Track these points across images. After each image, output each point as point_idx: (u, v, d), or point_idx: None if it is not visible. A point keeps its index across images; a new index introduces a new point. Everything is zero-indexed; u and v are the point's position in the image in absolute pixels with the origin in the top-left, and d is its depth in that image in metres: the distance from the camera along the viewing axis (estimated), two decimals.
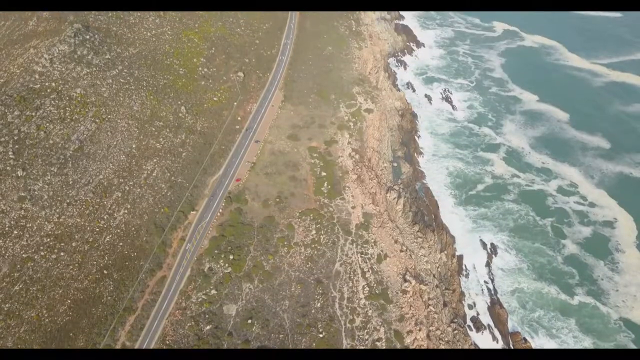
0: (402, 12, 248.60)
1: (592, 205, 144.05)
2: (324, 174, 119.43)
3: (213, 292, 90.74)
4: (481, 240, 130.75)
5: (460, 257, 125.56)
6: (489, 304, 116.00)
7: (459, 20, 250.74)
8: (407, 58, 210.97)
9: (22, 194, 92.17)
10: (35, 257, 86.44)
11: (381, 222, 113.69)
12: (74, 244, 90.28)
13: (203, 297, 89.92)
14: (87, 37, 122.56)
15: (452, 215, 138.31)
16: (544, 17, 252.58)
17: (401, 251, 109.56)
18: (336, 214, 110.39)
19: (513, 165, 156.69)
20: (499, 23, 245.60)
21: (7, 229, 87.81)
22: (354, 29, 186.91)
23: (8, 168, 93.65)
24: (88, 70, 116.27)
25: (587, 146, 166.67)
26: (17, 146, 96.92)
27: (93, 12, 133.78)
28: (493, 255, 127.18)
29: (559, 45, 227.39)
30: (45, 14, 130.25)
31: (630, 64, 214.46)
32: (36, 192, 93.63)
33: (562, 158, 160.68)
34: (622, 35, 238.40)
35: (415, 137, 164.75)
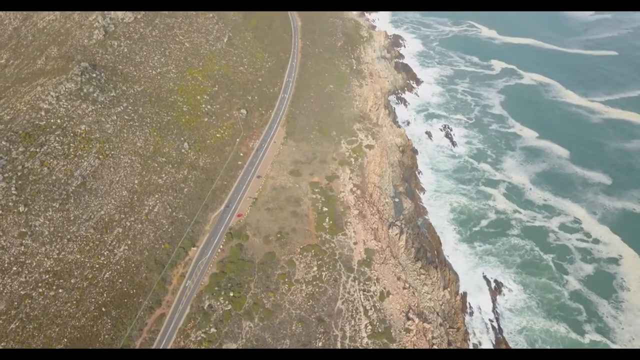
0: (401, 51, 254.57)
1: (596, 241, 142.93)
2: (325, 209, 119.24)
3: (212, 330, 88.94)
4: (485, 276, 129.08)
5: (464, 295, 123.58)
6: (495, 342, 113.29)
7: (458, 59, 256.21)
8: (407, 95, 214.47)
9: (23, 229, 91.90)
10: (33, 294, 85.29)
11: (383, 259, 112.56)
12: (72, 281, 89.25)
13: (202, 335, 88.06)
14: (94, 75, 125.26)
15: (456, 251, 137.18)
16: (541, 56, 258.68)
17: (404, 288, 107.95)
18: (338, 250, 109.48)
19: (515, 201, 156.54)
20: (497, 61, 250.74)
21: (6, 265, 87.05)
22: (354, 68, 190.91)
23: (10, 204, 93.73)
24: (93, 107, 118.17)
25: (588, 182, 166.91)
26: (20, 182, 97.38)
27: (100, 51, 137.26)
28: (497, 293, 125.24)
29: (557, 83, 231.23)
30: (54, 53, 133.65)
31: (627, 101, 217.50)
32: (37, 228, 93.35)
33: (564, 194, 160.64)
34: (617, 73, 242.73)
35: (416, 172, 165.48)
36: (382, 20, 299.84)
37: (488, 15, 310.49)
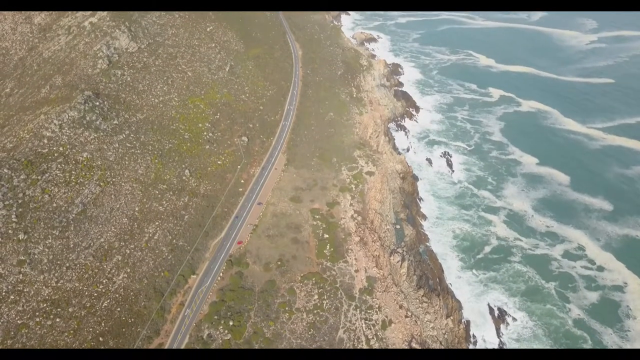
0: (400, 79, 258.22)
1: (600, 269, 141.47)
2: (326, 236, 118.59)
3: None
4: (489, 305, 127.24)
5: (468, 323, 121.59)
6: None
7: (457, 86, 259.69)
8: (407, 123, 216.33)
9: (22, 257, 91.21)
10: (30, 323, 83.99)
11: (385, 287, 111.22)
12: (70, 310, 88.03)
13: None
14: (97, 103, 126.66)
15: (459, 279, 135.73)
16: (538, 84, 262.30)
17: (406, 317, 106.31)
18: (339, 277, 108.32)
19: (518, 228, 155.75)
20: (496, 90, 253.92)
21: (3, 293, 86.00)
22: (354, 96, 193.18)
23: (10, 231, 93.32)
24: (96, 135, 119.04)
25: (589, 208, 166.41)
26: (20, 209, 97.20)
27: (104, 80, 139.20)
28: (501, 321, 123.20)
29: (554, 110, 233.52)
30: (59, 82, 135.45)
31: (626, 128, 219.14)
32: (36, 256, 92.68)
33: (566, 220, 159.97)
34: (614, 100, 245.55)
35: (417, 199, 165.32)
36: (381, 49, 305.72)
37: (485, 45, 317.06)
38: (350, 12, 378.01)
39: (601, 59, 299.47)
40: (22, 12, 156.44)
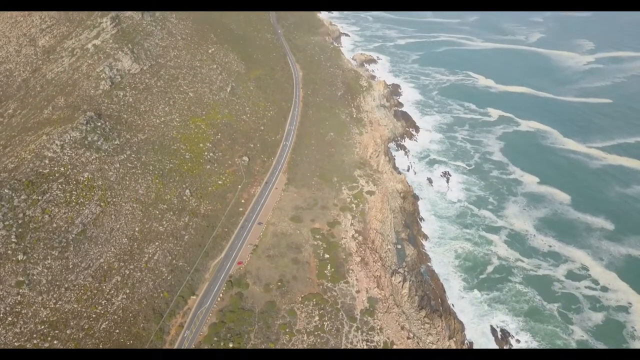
0: (400, 99, 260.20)
1: (604, 289, 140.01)
2: (327, 256, 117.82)
3: None
4: (492, 326, 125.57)
5: (471, 345, 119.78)
6: None
7: (457, 107, 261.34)
8: (407, 142, 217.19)
9: (21, 278, 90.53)
10: (28, 345, 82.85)
11: (387, 307, 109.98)
12: (68, 332, 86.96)
13: None
14: (99, 124, 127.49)
15: (462, 299, 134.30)
16: (537, 104, 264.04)
17: (408, 338, 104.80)
18: (340, 298, 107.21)
19: (520, 248, 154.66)
20: (495, 110, 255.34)
21: (1, 315, 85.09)
22: (354, 116, 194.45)
23: (9, 252, 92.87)
24: (97, 155, 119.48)
25: (591, 228, 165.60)
26: (20, 230, 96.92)
27: (106, 100, 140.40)
28: (505, 343, 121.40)
29: (554, 130, 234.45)
30: (61, 103, 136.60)
31: (625, 147, 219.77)
32: (35, 277, 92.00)
33: (568, 240, 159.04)
34: (613, 120, 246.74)
35: (418, 219, 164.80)
36: (381, 70, 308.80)
37: (484, 66, 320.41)
38: (349, 34, 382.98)
39: (599, 79, 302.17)
40: (27, 35, 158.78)
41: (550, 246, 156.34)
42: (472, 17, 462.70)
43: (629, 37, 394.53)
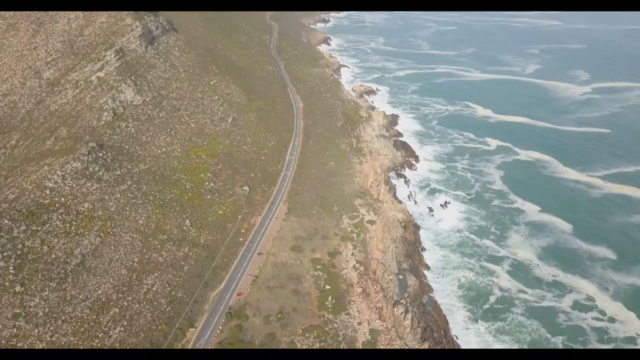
0: (399, 129, 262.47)
1: (611, 320, 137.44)
2: (327, 287, 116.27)
3: None
4: None
5: None
6: None
7: (456, 136, 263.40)
8: (407, 172, 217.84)
9: (17, 310, 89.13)
10: None
11: (389, 340, 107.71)
12: None
13: None
14: (100, 154, 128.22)
15: (467, 330, 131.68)
16: (536, 133, 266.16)
17: None
18: (341, 330, 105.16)
19: (524, 278, 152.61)
20: (493, 139, 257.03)
21: None
22: (354, 146, 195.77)
23: (7, 283, 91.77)
24: (98, 186, 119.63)
25: (594, 257, 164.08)
26: (18, 261, 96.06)
27: (108, 131, 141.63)
28: None
29: (553, 159, 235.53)
30: (64, 134, 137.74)
31: (626, 176, 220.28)
32: (32, 309, 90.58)
33: (572, 270, 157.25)
34: (612, 149, 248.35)
35: (419, 249, 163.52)
36: (380, 100, 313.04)
37: (482, 96, 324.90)
38: (349, 66, 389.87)
39: (596, 109, 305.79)
40: (32, 68, 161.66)
41: (554, 276, 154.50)
42: (469, 49, 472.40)
43: (623, 68, 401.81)
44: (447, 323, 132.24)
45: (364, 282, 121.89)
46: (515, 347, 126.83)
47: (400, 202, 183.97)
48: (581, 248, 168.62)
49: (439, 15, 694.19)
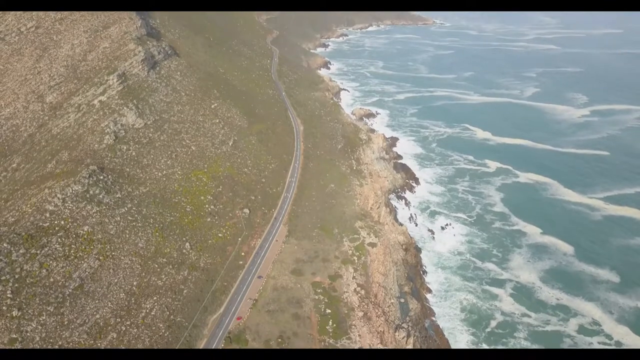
0: (399, 152, 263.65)
1: (618, 344, 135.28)
2: (328, 311, 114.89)
3: None
4: None
5: None
6: None
7: (456, 158, 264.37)
8: (407, 194, 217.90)
9: (14, 335, 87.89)
10: None
11: None
12: None
13: None
14: (101, 177, 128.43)
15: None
16: (535, 155, 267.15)
17: None
18: None
19: (527, 302, 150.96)
20: (493, 162, 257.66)
21: None
22: (354, 168, 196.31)
23: (4, 308, 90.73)
24: (98, 209, 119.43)
25: (597, 280, 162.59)
26: (17, 285, 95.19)
27: (109, 154, 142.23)
28: None
29: (553, 181, 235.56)
30: (65, 157, 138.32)
31: (627, 197, 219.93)
32: (28, 334, 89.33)
33: (575, 292, 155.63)
34: (612, 171, 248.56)
35: (421, 271, 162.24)
36: (380, 123, 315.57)
37: (481, 119, 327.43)
38: (349, 89, 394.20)
39: (594, 131, 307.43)
40: (35, 92, 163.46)
41: (557, 299, 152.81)
42: (467, 72, 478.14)
43: (620, 91, 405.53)
44: (450, 347, 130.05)
45: (365, 306, 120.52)
46: None
47: (401, 224, 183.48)
48: (584, 271, 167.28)
49: (436, 40, 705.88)
